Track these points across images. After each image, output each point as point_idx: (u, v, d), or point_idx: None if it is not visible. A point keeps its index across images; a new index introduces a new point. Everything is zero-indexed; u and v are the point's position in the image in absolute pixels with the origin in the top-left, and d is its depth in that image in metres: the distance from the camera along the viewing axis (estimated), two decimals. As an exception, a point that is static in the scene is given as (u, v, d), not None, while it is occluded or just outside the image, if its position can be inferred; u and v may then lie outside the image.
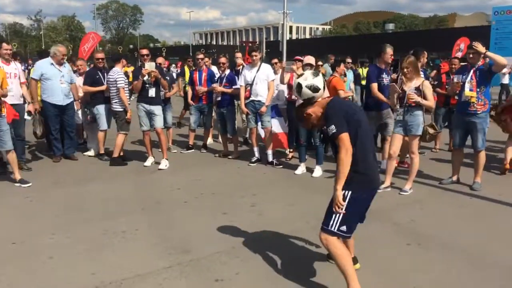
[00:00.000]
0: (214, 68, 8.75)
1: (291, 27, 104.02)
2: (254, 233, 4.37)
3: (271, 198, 5.59)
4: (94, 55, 8.15)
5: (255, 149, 7.40)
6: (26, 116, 6.70)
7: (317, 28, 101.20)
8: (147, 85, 6.90)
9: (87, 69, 8.50)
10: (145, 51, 7.11)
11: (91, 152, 7.86)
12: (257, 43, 49.77)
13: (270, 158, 7.24)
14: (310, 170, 6.72)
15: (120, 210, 5.06)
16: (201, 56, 8.01)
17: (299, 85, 3.07)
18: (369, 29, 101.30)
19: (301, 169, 6.75)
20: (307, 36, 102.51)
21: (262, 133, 7.50)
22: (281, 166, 7.15)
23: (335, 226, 3.00)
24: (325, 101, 3.10)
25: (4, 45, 6.44)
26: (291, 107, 7.08)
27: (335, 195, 2.95)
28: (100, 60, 7.69)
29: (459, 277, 3.50)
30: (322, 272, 3.56)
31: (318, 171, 6.63)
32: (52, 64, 7.14)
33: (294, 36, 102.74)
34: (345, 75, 8.86)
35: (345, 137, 2.89)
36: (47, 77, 7.01)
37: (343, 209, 2.96)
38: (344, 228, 3.01)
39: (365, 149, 3.01)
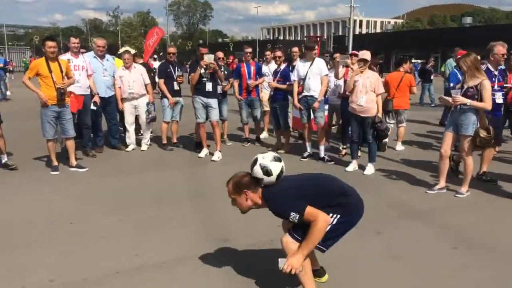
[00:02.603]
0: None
1: (361, 21, 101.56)
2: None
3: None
4: (167, 49, 8.46)
5: (308, 144, 7.39)
6: (92, 106, 7.16)
7: (389, 22, 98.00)
8: (204, 79, 7.11)
9: (150, 62, 8.90)
10: (204, 50, 7.27)
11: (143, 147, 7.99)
12: (324, 37, 49.08)
13: (322, 154, 7.20)
14: (362, 167, 6.60)
15: (170, 198, 5.30)
16: (249, 50, 8.13)
17: (255, 160, 2.87)
18: (445, 22, 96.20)
19: (353, 166, 6.65)
20: (378, 30, 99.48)
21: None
22: (332, 163, 7.08)
23: (326, 245, 2.87)
24: (260, 194, 2.88)
25: (72, 39, 6.94)
26: (345, 103, 6.98)
27: (296, 259, 2.71)
28: (171, 55, 8.00)
29: (507, 285, 3.31)
30: (360, 268, 3.53)
31: (370, 169, 6.50)
32: (95, 57, 7.45)
33: (364, 31, 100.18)
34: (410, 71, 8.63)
35: (309, 210, 2.69)
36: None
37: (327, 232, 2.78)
38: (321, 245, 2.85)
39: (334, 196, 2.83)
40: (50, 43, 5.97)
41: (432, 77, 16.22)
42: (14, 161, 6.62)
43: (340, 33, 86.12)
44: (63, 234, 4.18)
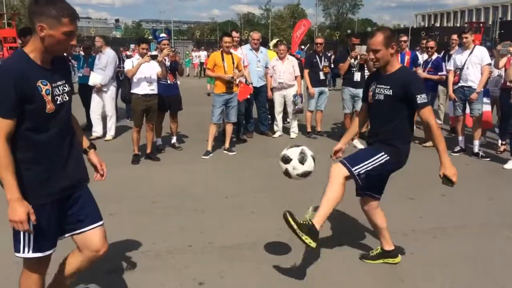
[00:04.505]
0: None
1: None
2: (438, 220, 4.31)
3: (468, 189, 5.26)
4: (314, 40, 8.72)
5: (460, 138, 6.96)
6: (246, 95, 7.81)
7: None
8: (353, 69, 7.20)
9: (295, 53, 9.23)
10: (356, 40, 7.36)
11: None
12: (488, 23, 44.13)
13: (476, 149, 6.72)
14: (524, 166, 6.00)
15: (312, 182, 5.50)
16: (404, 38, 7.86)
17: (287, 172, 3.30)
18: None
19: (513, 164, 6.09)
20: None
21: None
22: (488, 159, 6.57)
23: (360, 169, 3.04)
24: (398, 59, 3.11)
25: (234, 33, 7.65)
26: (505, 95, 6.38)
27: (450, 165, 2.95)
28: (319, 45, 8.24)
29: None
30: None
31: (534, 168, 5.87)
32: (251, 49, 8.03)
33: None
34: None
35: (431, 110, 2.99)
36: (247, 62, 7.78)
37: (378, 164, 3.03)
38: (364, 175, 3.05)
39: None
40: (226, 39, 6.79)
41: None
42: (178, 141, 7.61)
43: (509, 18, 76.17)
44: (220, 206, 4.77)
